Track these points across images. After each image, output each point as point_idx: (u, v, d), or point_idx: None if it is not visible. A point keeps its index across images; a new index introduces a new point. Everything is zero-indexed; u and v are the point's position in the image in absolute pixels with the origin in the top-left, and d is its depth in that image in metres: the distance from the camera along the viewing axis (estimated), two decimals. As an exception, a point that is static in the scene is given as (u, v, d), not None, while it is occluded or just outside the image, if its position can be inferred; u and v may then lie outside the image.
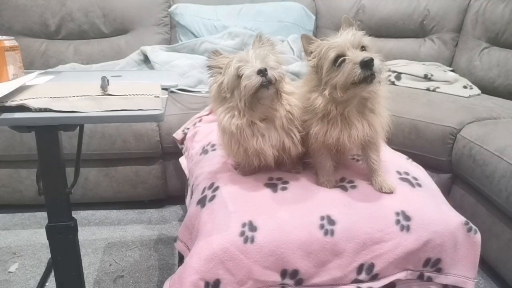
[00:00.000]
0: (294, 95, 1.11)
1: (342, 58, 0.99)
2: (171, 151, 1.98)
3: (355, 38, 1.01)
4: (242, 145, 1.10)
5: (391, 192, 1.12)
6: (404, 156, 1.39)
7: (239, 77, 1.01)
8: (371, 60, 0.95)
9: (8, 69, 1.08)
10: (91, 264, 1.69)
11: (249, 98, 1.02)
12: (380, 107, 1.10)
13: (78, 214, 2.06)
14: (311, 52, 1.06)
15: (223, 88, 1.06)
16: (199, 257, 0.99)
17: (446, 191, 1.80)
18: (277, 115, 1.08)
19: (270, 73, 0.98)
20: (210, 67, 1.09)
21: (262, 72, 0.98)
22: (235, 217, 1.05)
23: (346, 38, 1.01)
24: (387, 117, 1.10)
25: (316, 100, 1.06)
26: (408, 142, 1.85)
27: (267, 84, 0.99)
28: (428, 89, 2.20)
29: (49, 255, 1.68)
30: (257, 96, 1.02)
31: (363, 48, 1.02)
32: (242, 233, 1.01)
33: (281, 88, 1.06)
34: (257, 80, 0.98)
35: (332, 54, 1.00)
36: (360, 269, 1.04)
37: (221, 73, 1.07)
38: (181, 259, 1.33)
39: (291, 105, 1.09)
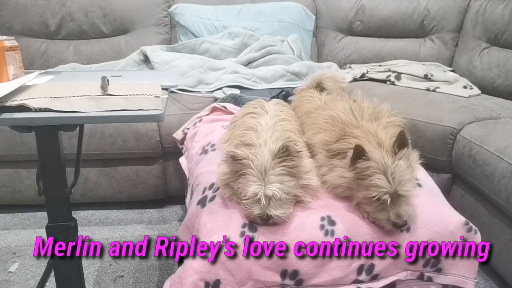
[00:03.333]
0: (309, 173, 1.09)
1: (381, 202, 0.99)
2: (171, 151, 1.98)
3: (402, 192, 0.98)
4: None
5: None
6: (404, 156, 1.38)
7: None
8: (404, 225, 0.99)
9: (8, 69, 1.08)
10: (91, 264, 1.69)
11: None
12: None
13: (78, 214, 2.06)
14: (356, 167, 1.02)
15: (233, 185, 1.06)
16: (199, 257, 0.99)
17: (446, 191, 1.80)
18: None
19: (272, 221, 1.00)
20: (227, 166, 1.07)
21: (263, 219, 1.00)
22: (235, 217, 1.05)
23: (394, 186, 0.97)
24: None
25: (345, 196, 1.09)
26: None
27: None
28: (428, 89, 2.20)
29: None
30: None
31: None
32: (242, 234, 1.01)
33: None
34: (257, 221, 1.02)
35: (372, 193, 0.99)
36: (360, 269, 1.04)
37: (236, 173, 1.04)
38: (181, 259, 1.33)
39: (306, 197, 1.08)
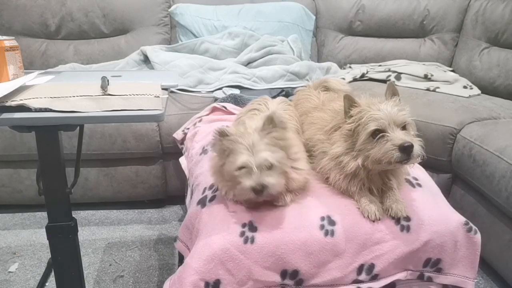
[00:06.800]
0: (302, 170, 1.08)
1: (381, 134, 0.98)
2: (171, 151, 1.98)
3: (398, 116, 0.99)
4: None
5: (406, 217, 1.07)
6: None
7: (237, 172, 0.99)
8: (411, 146, 0.95)
9: (8, 69, 1.08)
10: (91, 264, 1.69)
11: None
12: None
13: (78, 214, 2.06)
14: (351, 116, 1.05)
15: (222, 170, 1.04)
16: (199, 257, 0.99)
17: (446, 191, 1.80)
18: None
19: (266, 192, 0.97)
20: (214, 147, 1.06)
21: (257, 191, 0.97)
22: (235, 217, 1.05)
23: (389, 113, 0.99)
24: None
25: (348, 165, 1.05)
26: (408, 142, 1.85)
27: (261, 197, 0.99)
28: (428, 89, 2.20)
29: (49, 255, 1.68)
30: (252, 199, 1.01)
31: (404, 126, 1.00)
32: (242, 234, 1.01)
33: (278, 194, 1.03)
34: (250, 195, 0.98)
35: (371, 127, 0.99)
36: (360, 269, 1.04)
37: (224, 154, 1.03)
38: (181, 259, 1.33)
39: (293, 186, 1.07)
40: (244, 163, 0.97)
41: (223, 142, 1.02)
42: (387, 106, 1.01)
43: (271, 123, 1.02)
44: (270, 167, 0.98)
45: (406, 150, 0.95)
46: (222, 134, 1.02)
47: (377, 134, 0.99)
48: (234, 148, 0.99)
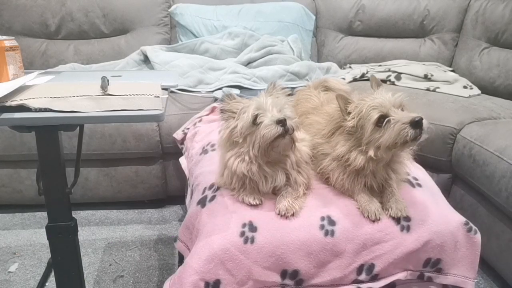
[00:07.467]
0: (304, 141, 1.12)
1: (386, 119, 0.98)
2: (171, 151, 1.98)
3: (395, 99, 1.00)
4: (244, 183, 1.10)
5: (406, 216, 1.07)
6: (404, 156, 1.38)
7: (254, 124, 1.01)
8: (421, 119, 0.95)
9: (8, 69, 1.08)
10: (91, 264, 1.69)
11: (264, 146, 1.01)
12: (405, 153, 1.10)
13: (78, 214, 2.06)
14: (349, 113, 1.05)
15: (235, 133, 1.05)
16: (199, 257, 0.99)
17: (446, 191, 1.80)
18: (287, 160, 1.07)
19: (289, 123, 0.99)
20: (223, 111, 1.08)
21: (281, 122, 0.98)
22: (235, 217, 1.05)
23: (386, 98, 1.00)
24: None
25: (356, 160, 1.04)
26: (408, 142, 1.84)
27: (285, 133, 0.99)
28: (428, 89, 2.20)
29: (49, 255, 1.68)
30: (273, 144, 1.01)
31: (402, 109, 1.01)
32: (242, 234, 1.01)
33: (295, 137, 1.05)
34: (276, 130, 0.98)
35: (375, 115, 0.99)
36: (360, 269, 1.04)
37: (234, 117, 1.05)
38: (181, 259, 1.34)
39: (301, 151, 1.09)
40: (259, 105, 1.01)
41: (232, 104, 1.06)
42: (381, 93, 1.02)
43: (274, 87, 1.09)
44: (280, 110, 1.02)
45: (418, 125, 0.95)
46: (230, 98, 1.07)
47: (382, 120, 0.99)
48: (245, 105, 1.04)
